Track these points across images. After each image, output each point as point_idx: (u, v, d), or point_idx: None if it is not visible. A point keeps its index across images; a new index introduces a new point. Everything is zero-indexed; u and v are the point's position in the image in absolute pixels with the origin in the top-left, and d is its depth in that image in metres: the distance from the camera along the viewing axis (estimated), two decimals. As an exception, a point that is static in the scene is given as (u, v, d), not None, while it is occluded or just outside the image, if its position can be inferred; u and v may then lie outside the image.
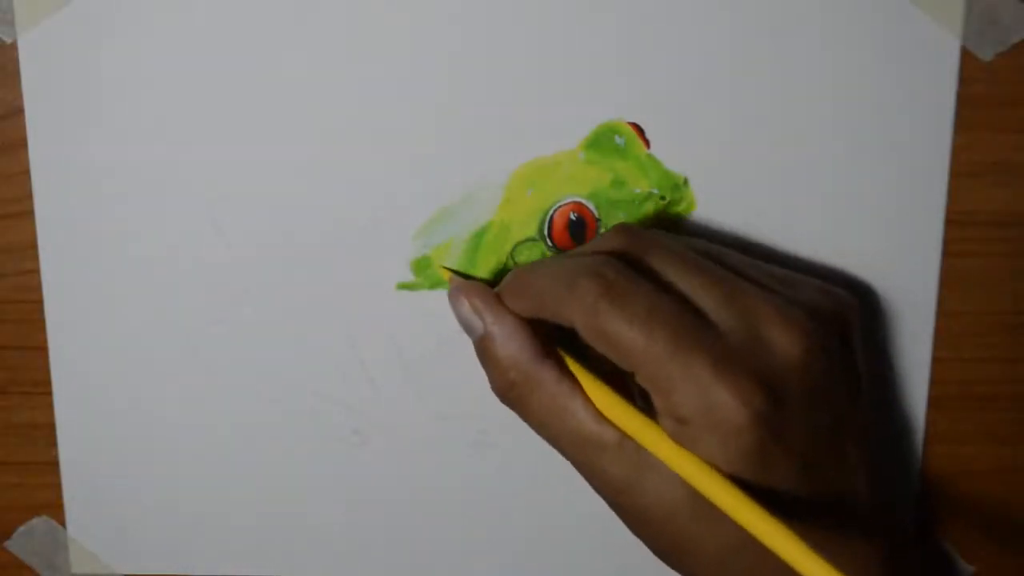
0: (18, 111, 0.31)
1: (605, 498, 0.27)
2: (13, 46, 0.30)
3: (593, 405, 0.26)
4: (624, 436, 0.26)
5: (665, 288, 0.26)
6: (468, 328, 0.28)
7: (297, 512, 0.34)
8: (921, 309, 0.32)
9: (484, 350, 0.28)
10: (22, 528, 0.35)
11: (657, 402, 0.25)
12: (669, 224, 0.31)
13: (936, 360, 0.32)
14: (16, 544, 0.35)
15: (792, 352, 0.25)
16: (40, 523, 0.34)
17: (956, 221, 0.31)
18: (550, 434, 0.27)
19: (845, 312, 0.28)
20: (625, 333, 0.25)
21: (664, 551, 0.27)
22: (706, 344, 0.25)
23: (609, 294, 0.25)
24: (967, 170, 0.31)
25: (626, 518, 0.27)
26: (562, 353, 0.27)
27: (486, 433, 0.33)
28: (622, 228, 0.28)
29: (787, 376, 0.25)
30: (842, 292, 0.28)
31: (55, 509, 0.34)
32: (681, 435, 0.25)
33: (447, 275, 0.31)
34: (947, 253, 0.31)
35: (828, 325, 0.27)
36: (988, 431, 0.33)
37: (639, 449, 0.26)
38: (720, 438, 0.24)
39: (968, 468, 0.33)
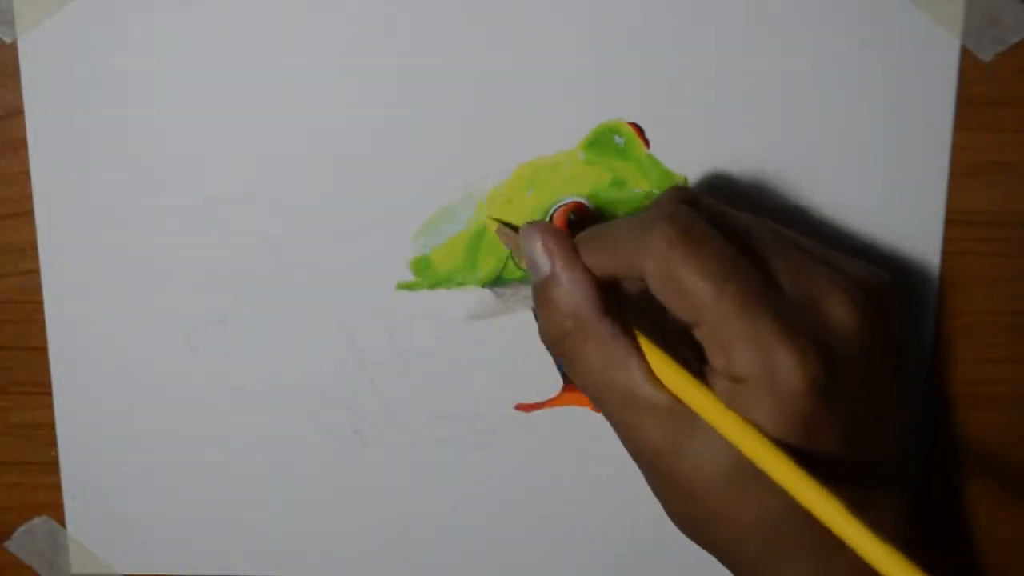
0: (18, 111, 0.31)
1: (641, 461, 0.27)
2: (13, 46, 0.30)
3: (648, 366, 0.26)
4: (675, 401, 0.25)
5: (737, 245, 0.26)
6: (534, 266, 0.27)
7: (297, 512, 0.34)
8: (921, 309, 0.32)
9: (546, 292, 0.27)
10: (22, 528, 0.35)
11: (714, 358, 0.25)
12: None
13: (936, 360, 0.32)
14: (16, 544, 0.35)
15: (848, 325, 0.25)
16: (40, 523, 0.34)
17: (956, 221, 0.31)
18: (596, 388, 0.27)
19: (889, 290, 0.28)
20: (696, 283, 0.25)
21: (694, 522, 0.27)
22: (773, 306, 0.25)
23: (685, 240, 0.25)
24: (967, 170, 0.31)
25: (659, 483, 0.27)
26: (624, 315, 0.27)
27: (486, 433, 0.33)
28: (685, 191, 0.28)
29: (842, 347, 0.25)
30: (883, 272, 0.29)
31: (55, 509, 0.34)
32: (735, 393, 0.25)
33: (495, 226, 0.30)
34: (947, 253, 0.31)
35: (877, 302, 0.27)
36: (988, 431, 0.33)
37: (688, 415, 0.25)
38: (776, 401, 0.24)
39: (968, 468, 0.33)
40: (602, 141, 0.31)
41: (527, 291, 0.32)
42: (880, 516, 0.25)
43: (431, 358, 0.32)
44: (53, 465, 0.34)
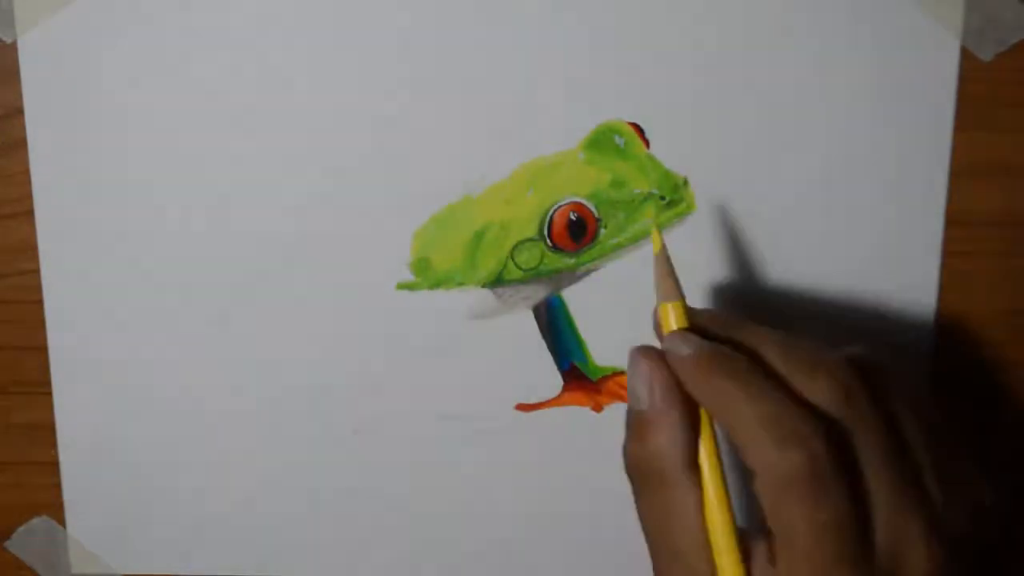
0: (18, 111, 0.31)
1: None
2: (13, 46, 0.30)
3: (705, 533, 0.26)
4: (710, 573, 0.25)
5: (858, 486, 0.25)
6: (633, 395, 0.27)
7: (297, 512, 0.34)
8: (921, 309, 0.32)
9: (638, 426, 0.27)
10: (22, 528, 0.35)
11: None
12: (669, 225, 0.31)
13: (936, 360, 0.32)
14: (16, 544, 0.35)
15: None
16: (40, 523, 0.34)
17: (956, 221, 0.31)
18: (651, 534, 0.27)
19: (991, 524, 0.28)
20: (799, 526, 0.24)
21: None
22: (858, 568, 0.24)
23: (807, 482, 0.24)
24: (967, 170, 0.31)
25: None
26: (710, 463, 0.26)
27: (486, 433, 0.33)
28: (846, 384, 0.26)
29: None
30: (994, 498, 0.28)
31: (55, 509, 0.34)
32: None
33: (659, 242, 0.28)
34: (947, 253, 0.31)
35: (960, 549, 0.26)
36: (988, 431, 0.33)
37: None
38: None
39: (968, 468, 0.33)
40: (602, 141, 0.31)
41: (527, 291, 0.32)
42: None
43: (431, 358, 0.32)
44: (53, 465, 0.34)
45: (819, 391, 0.25)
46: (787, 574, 0.25)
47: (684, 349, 0.26)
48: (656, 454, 0.26)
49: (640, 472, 0.27)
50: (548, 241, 0.31)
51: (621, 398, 0.33)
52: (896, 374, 0.26)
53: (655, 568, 0.27)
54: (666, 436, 0.26)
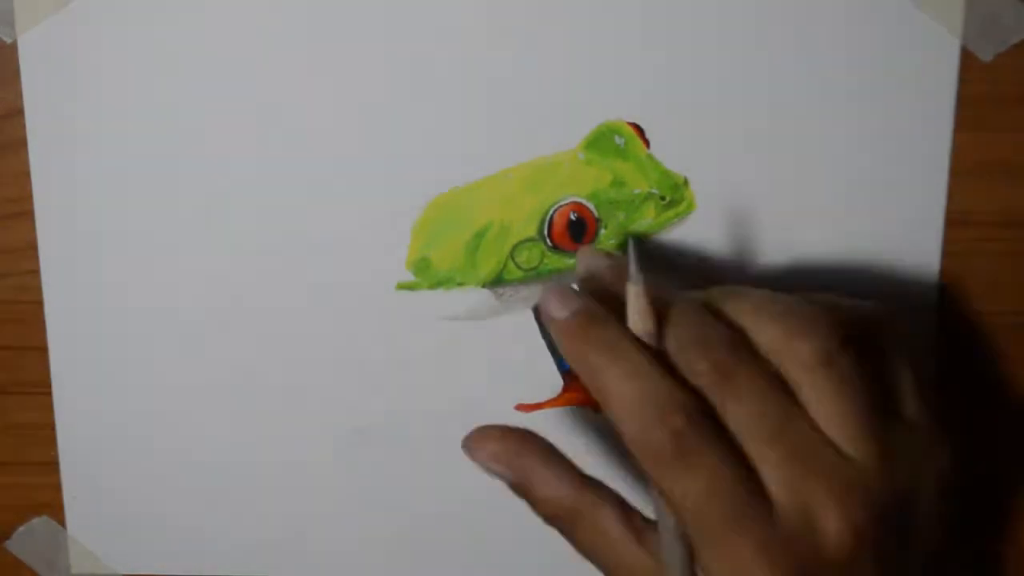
0: (18, 111, 0.31)
1: None
2: (13, 46, 0.30)
3: (633, 530, 0.26)
4: (660, 564, 0.26)
5: (734, 451, 0.25)
6: (494, 475, 0.28)
7: (297, 512, 0.34)
8: (921, 309, 0.32)
9: (521, 493, 0.27)
10: (22, 528, 0.35)
11: (698, 560, 0.25)
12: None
13: (936, 360, 0.32)
14: (16, 544, 0.35)
15: (842, 547, 0.24)
16: (40, 523, 0.34)
17: (956, 221, 0.31)
18: (594, 561, 0.27)
19: (944, 464, 0.27)
20: (682, 495, 0.25)
21: None
22: (755, 525, 0.24)
23: (682, 454, 0.24)
24: (967, 170, 0.31)
25: None
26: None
27: (486, 433, 0.33)
28: (710, 335, 0.26)
29: (829, 570, 0.24)
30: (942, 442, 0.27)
31: (55, 509, 0.34)
32: None
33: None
34: (947, 253, 0.31)
35: (887, 514, 0.25)
36: (988, 431, 0.33)
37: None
38: None
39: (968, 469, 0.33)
40: (602, 141, 0.31)
41: (527, 291, 0.32)
42: None
43: (431, 358, 0.32)
44: (53, 465, 0.34)
45: (689, 362, 0.25)
46: (692, 543, 0.25)
47: (559, 312, 0.26)
48: (549, 503, 0.27)
49: (552, 522, 0.27)
50: (548, 241, 0.31)
51: (621, 398, 0.33)
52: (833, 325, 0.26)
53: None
54: (543, 486, 0.27)
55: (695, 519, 0.25)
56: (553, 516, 0.27)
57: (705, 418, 0.25)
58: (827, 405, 0.25)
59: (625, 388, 0.25)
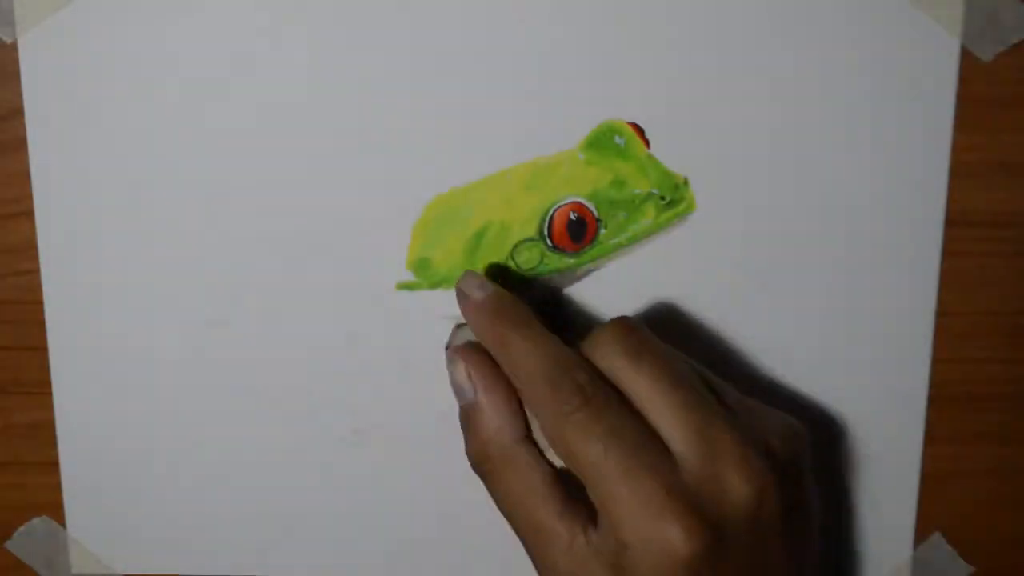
0: (18, 111, 0.31)
1: None
2: (13, 46, 0.30)
3: (558, 495, 0.27)
4: (577, 533, 0.26)
5: (636, 412, 0.26)
6: (458, 392, 0.29)
7: (297, 512, 0.34)
8: (921, 309, 0.32)
9: (469, 419, 0.28)
10: (22, 528, 0.35)
11: (603, 520, 0.26)
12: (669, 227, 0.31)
13: (936, 360, 0.32)
14: (16, 544, 0.35)
15: (746, 495, 0.25)
16: (40, 523, 0.34)
17: (956, 221, 0.31)
18: (510, 514, 0.28)
19: (801, 450, 0.28)
20: (582, 448, 0.26)
21: None
22: (660, 473, 0.25)
23: (582, 409, 0.26)
24: (967, 170, 0.31)
25: None
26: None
27: (486, 433, 0.33)
28: (621, 328, 0.28)
29: (737, 518, 0.25)
30: (799, 426, 0.29)
31: (55, 509, 0.34)
32: (620, 558, 0.25)
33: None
34: (947, 253, 0.31)
35: (786, 470, 0.27)
36: (988, 431, 0.33)
37: (589, 548, 0.26)
38: (658, 569, 0.25)
39: (968, 468, 0.33)
40: (602, 141, 0.31)
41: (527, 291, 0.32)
42: None
43: (431, 358, 0.32)
44: (53, 465, 0.34)
45: (588, 344, 0.27)
46: (597, 497, 0.26)
47: (476, 292, 0.29)
48: (493, 438, 0.28)
49: (486, 461, 0.28)
50: (548, 241, 0.31)
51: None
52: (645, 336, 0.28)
53: (528, 550, 0.28)
54: (495, 416, 0.28)
55: (596, 470, 0.25)
56: (485, 457, 0.28)
57: (605, 381, 0.27)
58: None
59: (532, 354, 0.27)
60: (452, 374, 0.29)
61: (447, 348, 0.31)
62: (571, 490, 0.27)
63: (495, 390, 0.28)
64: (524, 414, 0.28)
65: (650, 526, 0.25)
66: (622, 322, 0.28)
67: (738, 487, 0.25)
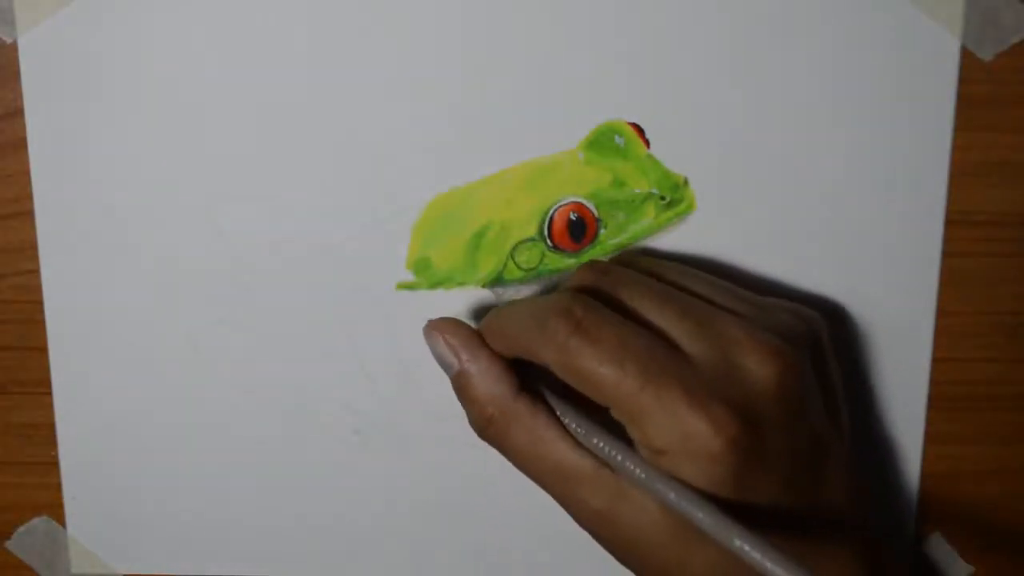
0: (18, 111, 0.31)
1: (587, 529, 0.27)
2: (13, 46, 0.30)
3: (570, 436, 0.27)
4: (600, 465, 0.26)
5: (635, 321, 0.26)
6: (444, 365, 0.29)
7: (297, 512, 0.34)
8: (921, 309, 0.32)
9: (460, 387, 0.28)
10: (22, 528, 0.35)
11: (633, 434, 0.26)
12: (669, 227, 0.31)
13: (936, 360, 0.32)
14: (16, 544, 0.35)
15: (766, 376, 0.25)
16: (40, 523, 0.34)
17: (956, 221, 0.31)
18: (529, 468, 0.28)
19: (816, 331, 0.28)
20: (596, 369, 0.25)
21: (647, 574, 0.27)
22: (678, 374, 0.25)
23: (579, 331, 0.26)
24: (967, 170, 0.31)
25: (610, 548, 0.27)
26: (541, 388, 0.28)
27: (486, 433, 0.33)
28: (590, 265, 0.29)
29: (762, 400, 0.25)
30: (811, 312, 0.29)
31: (55, 509, 0.34)
32: (659, 464, 0.25)
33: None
34: (947, 253, 0.31)
35: (800, 347, 0.27)
36: (988, 431, 0.33)
37: (616, 478, 0.26)
38: (697, 466, 0.25)
39: (968, 468, 0.33)
40: (602, 141, 0.31)
41: (527, 291, 0.32)
42: (829, 563, 0.26)
43: (431, 358, 0.32)
44: (53, 465, 0.34)
45: (575, 279, 0.28)
46: (622, 413, 0.25)
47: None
48: (488, 399, 0.27)
49: (489, 424, 0.28)
50: (548, 241, 0.31)
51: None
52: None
53: (556, 498, 0.27)
54: (485, 378, 0.27)
55: (616, 389, 0.25)
56: (488, 417, 0.27)
57: (597, 303, 0.26)
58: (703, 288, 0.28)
59: (520, 313, 0.27)
60: (433, 348, 0.29)
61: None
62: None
63: (478, 354, 0.28)
64: (513, 370, 0.28)
65: (680, 428, 0.24)
66: (592, 262, 0.29)
67: (757, 371, 0.25)
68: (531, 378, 0.28)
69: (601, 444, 0.26)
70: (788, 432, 0.26)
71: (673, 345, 0.26)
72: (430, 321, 0.29)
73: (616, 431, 0.26)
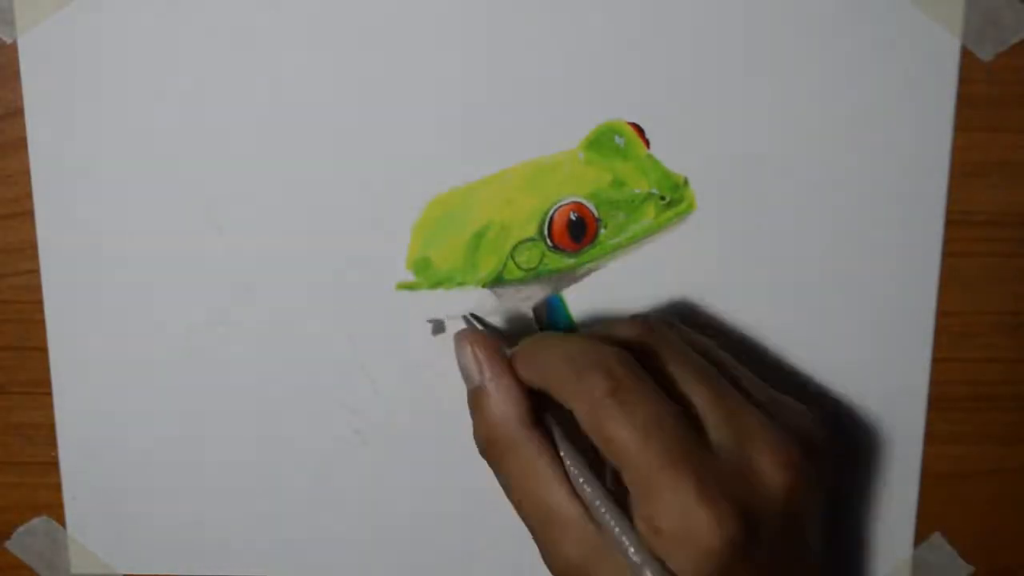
0: (18, 111, 0.31)
1: (554, 574, 0.27)
2: (13, 46, 0.30)
3: (567, 480, 0.27)
4: (587, 517, 0.26)
5: (669, 394, 0.26)
6: (465, 375, 0.29)
7: (297, 512, 0.34)
8: (921, 309, 0.32)
9: (476, 402, 0.28)
10: (22, 528, 0.35)
11: (637, 504, 0.26)
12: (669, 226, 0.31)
13: (936, 360, 0.32)
14: (16, 544, 0.35)
15: (778, 485, 0.26)
16: (40, 523, 0.34)
17: (956, 221, 0.31)
18: (517, 498, 0.28)
19: (821, 443, 0.29)
20: (621, 435, 0.25)
21: None
22: (697, 462, 0.25)
23: (614, 393, 0.26)
24: (967, 170, 0.31)
25: None
26: (554, 424, 0.28)
27: (486, 433, 0.33)
28: (641, 320, 0.29)
29: (768, 506, 0.26)
30: (816, 418, 0.29)
31: (55, 509, 0.34)
32: (652, 543, 0.25)
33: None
34: (947, 253, 0.31)
35: (811, 457, 0.27)
36: (988, 431, 0.33)
37: (599, 534, 0.26)
38: (689, 556, 0.25)
39: (968, 468, 0.33)
40: (602, 141, 0.31)
41: (527, 291, 0.32)
42: None
43: (431, 358, 0.32)
44: (53, 465, 0.34)
45: (621, 329, 0.28)
46: (633, 483, 0.26)
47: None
48: (500, 422, 0.27)
49: (493, 445, 0.28)
50: (548, 241, 0.31)
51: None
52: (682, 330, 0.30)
53: (535, 539, 0.28)
54: (502, 400, 0.27)
55: (635, 459, 0.25)
56: (492, 441, 0.28)
57: (637, 365, 0.26)
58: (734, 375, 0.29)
59: (559, 352, 0.27)
60: (460, 356, 0.29)
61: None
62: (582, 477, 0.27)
63: (502, 375, 0.28)
64: (531, 401, 0.28)
65: (685, 516, 0.25)
66: (639, 317, 0.29)
67: (770, 475, 0.26)
68: (546, 405, 0.28)
69: (603, 509, 0.26)
70: (783, 542, 0.26)
71: (698, 426, 0.26)
72: (464, 330, 0.29)
73: (603, 472, 0.27)
